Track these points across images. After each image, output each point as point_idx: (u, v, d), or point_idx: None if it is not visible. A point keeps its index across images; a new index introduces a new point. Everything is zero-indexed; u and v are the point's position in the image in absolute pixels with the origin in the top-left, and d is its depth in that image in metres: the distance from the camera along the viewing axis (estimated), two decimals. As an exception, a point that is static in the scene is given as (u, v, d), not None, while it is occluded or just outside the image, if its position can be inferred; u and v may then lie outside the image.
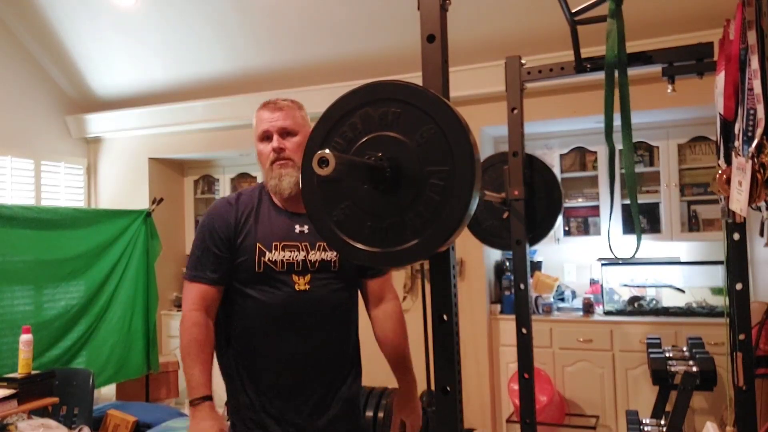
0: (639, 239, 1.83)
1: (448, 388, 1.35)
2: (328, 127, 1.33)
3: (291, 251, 1.91)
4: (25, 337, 3.37)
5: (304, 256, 1.91)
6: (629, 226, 4.64)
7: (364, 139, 1.30)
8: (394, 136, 1.28)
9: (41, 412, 3.43)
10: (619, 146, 1.82)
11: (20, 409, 3.17)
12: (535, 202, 2.63)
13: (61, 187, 5.57)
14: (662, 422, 3.39)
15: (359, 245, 1.30)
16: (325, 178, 1.26)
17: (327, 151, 1.11)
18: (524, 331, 2.60)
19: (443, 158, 1.25)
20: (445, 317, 1.37)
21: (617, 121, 1.84)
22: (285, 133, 1.92)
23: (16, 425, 3.14)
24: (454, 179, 1.23)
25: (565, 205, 4.91)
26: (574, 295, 4.93)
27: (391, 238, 1.28)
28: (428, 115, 1.27)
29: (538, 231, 2.63)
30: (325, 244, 1.90)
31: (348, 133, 1.32)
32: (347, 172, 1.24)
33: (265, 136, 1.93)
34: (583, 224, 4.91)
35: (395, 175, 1.27)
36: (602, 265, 4.62)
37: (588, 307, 4.57)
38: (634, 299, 4.52)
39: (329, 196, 1.33)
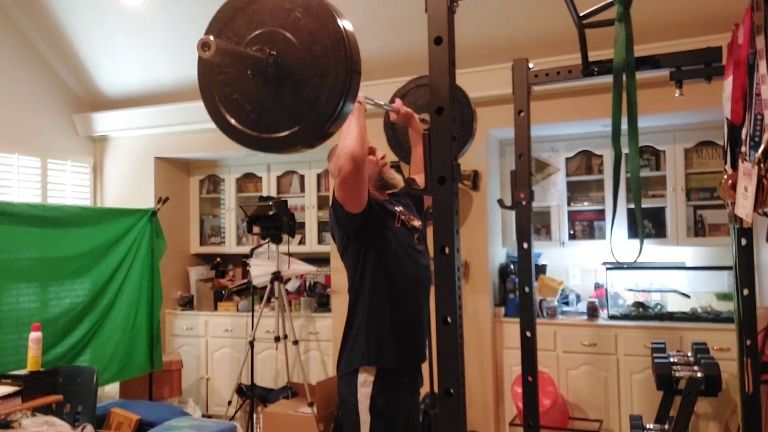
0: (642, 243, 1.82)
1: (452, 391, 1.35)
2: (223, 21, 1.49)
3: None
4: (35, 335, 3.38)
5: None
6: (635, 231, 4.63)
7: (256, 33, 1.42)
8: (282, 33, 1.39)
9: (45, 410, 3.44)
10: (625, 150, 1.81)
11: (24, 406, 3.18)
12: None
13: (68, 186, 5.58)
14: (666, 427, 3.38)
15: (242, 128, 1.45)
16: (216, 65, 1.43)
17: (211, 37, 1.24)
18: (528, 334, 2.60)
19: (323, 57, 1.37)
20: (449, 319, 1.37)
21: (624, 125, 1.84)
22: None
23: (20, 422, 3.14)
24: (330, 78, 1.36)
25: (570, 208, 4.91)
26: (578, 298, 4.92)
27: (270, 125, 1.41)
28: (315, 18, 1.38)
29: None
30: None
31: (242, 27, 1.45)
32: (232, 61, 1.37)
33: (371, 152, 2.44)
34: (589, 228, 4.89)
35: (278, 69, 1.39)
36: (607, 269, 4.61)
37: (592, 311, 4.55)
38: (638, 304, 4.50)
39: (220, 81, 1.47)
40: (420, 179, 2.56)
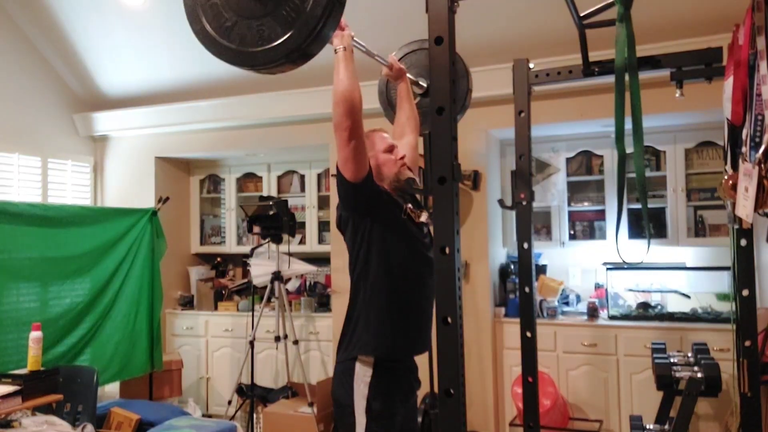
0: (649, 243, 1.82)
1: (452, 391, 1.35)
2: None
3: None
4: (35, 334, 3.38)
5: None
6: (635, 231, 4.63)
7: None
8: None
9: (45, 409, 3.44)
10: (628, 150, 1.81)
11: (24, 405, 3.18)
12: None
13: (68, 185, 5.59)
14: (666, 428, 3.38)
15: (218, 37, 1.43)
16: None
17: None
18: (529, 334, 2.60)
19: None
20: (449, 320, 1.37)
21: (627, 125, 1.83)
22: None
23: (20, 422, 3.15)
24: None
25: (571, 208, 4.91)
26: (578, 299, 4.92)
27: (255, 38, 1.39)
28: None
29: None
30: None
31: None
32: None
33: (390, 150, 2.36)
34: (589, 228, 4.89)
35: None
36: (607, 269, 4.60)
37: (593, 312, 4.55)
38: (644, 305, 4.49)
39: None
40: (402, 143, 2.52)
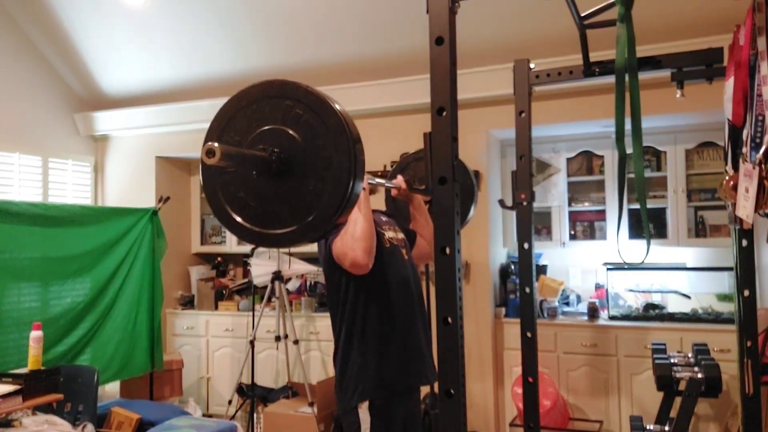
0: (648, 243, 1.82)
1: (452, 391, 1.35)
2: (223, 121, 1.47)
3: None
4: (36, 334, 3.38)
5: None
6: (636, 231, 4.63)
7: (258, 131, 1.43)
8: (284, 130, 1.41)
9: (46, 409, 3.44)
10: (628, 150, 1.81)
11: (25, 405, 3.18)
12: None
13: (69, 185, 5.59)
14: (666, 428, 3.38)
15: (246, 224, 1.45)
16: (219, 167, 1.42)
17: (216, 144, 1.24)
18: (529, 334, 2.60)
19: (325, 151, 1.38)
20: (449, 320, 1.37)
21: (627, 125, 1.83)
22: None
23: (20, 421, 3.15)
24: (333, 171, 1.36)
25: (571, 209, 4.91)
26: (579, 299, 4.92)
27: (273, 221, 1.42)
28: (314, 112, 1.39)
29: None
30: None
31: (243, 126, 1.45)
32: (236, 163, 1.38)
33: None
34: (589, 228, 4.90)
35: (281, 166, 1.40)
36: (608, 269, 4.61)
37: (593, 312, 4.55)
38: (651, 306, 4.49)
39: (224, 181, 1.48)
40: (419, 248, 2.64)
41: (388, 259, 2.37)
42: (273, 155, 1.39)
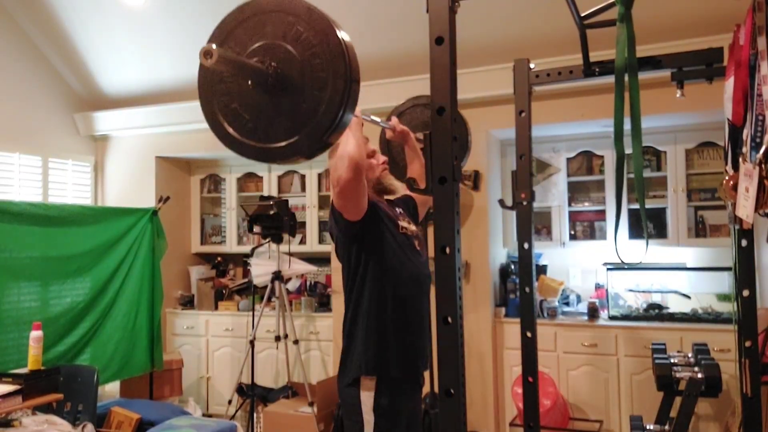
0: (647, 243, 1.82)
1: (452, 391, 1.35)
2: (226, 30, 1.51)
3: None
4: (36, 334, 3.38)
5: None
6: (635, 231, 4.63)
7: (257, 45, 1.45)
8: (284, 46, 1.42)
9: (45, 408, 3.44)
10: (627, 150, 1.81)
11: (25, 405, 3.18)
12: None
13: (69, 185, 5.59)
14: (666, 428, 3.38)
15: (237, 135, 1.46)
16: (217, 74, 1.45)
17: (213, 46, 1.25)
18: (529, 334, 2.60)
19: (323, 71, 1.39)
20: (449, 319, 1.37)
21: (626, 125, 1.83)
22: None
23: (20, 421, 3.15)
24: (328, 93, 1.38)
25: (571, 209, 4.91)
26: (579, 299, 4.92)
27: (268, 134, 1.43)
28: (315, 31, 1.41)
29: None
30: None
31: (244, 38, 1.47)
32: (233, 70, 1.39)
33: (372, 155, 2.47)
34: (589, 228, 4.89)
35: (277, 81, 1.40)
36: (608, 269, 4.61)
37: (593, 312, 4.55)
38: (654, 306, 4.48)
39: (220, 90, 1.48)
40: (420, 197, 2.61)
41: (401, 241, 2.36)
42: (270, 68, 1.41)
